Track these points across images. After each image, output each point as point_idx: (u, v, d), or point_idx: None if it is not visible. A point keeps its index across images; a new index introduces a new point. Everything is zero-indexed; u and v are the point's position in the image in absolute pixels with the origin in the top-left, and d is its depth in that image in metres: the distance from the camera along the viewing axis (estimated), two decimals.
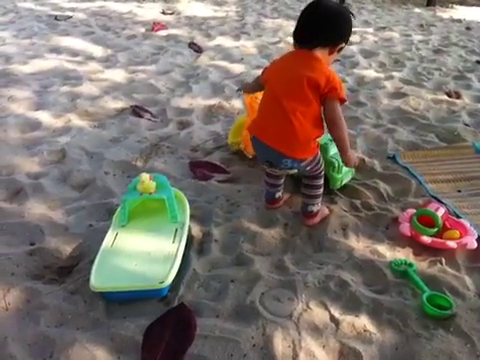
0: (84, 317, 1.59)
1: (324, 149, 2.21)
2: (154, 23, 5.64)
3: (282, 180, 2.16)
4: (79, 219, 2.11)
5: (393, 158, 2.70)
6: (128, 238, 1.89)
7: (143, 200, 2.03)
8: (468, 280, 1.80)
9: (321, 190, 2.07)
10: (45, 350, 1.46)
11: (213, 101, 3.47)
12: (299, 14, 1.84)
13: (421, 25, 6.38)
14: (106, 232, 1.90)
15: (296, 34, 1.84)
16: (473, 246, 1.93)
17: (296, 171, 1.99)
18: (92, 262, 1.73)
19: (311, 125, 1.84)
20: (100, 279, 1.64)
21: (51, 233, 1.99)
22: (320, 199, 2.09)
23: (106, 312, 1.61)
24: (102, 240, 1.85)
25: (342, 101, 1.83)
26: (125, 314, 1.60)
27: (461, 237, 1.96)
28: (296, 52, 1.87)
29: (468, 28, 6.33)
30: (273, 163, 1.93)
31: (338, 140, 1.87)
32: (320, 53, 1.81)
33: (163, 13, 6.36)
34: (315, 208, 2.07)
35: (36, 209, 2.16)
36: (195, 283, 1.74)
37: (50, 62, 4.19)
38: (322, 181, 2.06)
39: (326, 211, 2.16)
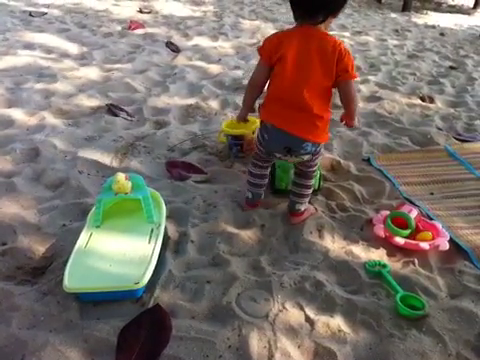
0: (57, 318, 1.56)
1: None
2: (131, 21, 5.58)
3: (266, 180, 2.17)
4: (52, 219, 2.07)
5: (368, 160, 2.74)
6: (103, 238, 1.87)
7: (118, 200, 2.01)
8: (440, 281, 1.84)
9: (310, 190, 2.12)
10: (16, 353, 1.43)
11: (190, 101, 3.45)
12: None
13: (396, 30, 6.49)
14: (80, 232, 1.87)
15: (301, 7, 1.78)
16: (445, 247, 1.97)
17: (305, 158, 1.99)
18: (66, 262, 1.70)
19: (326, 110, 1.90)
20: (74, 280, 1.61)
21: (24, 233, 1.95)
22: (308, 199, 2.13)
23: (80, 313, 1.58)
24: (76, 240, 1.82)
25: (354, 78, 1.91)
26: (99, 315, 1.58)
27: (433, 239, 2.00)
28: (305, 31, 1.80)
29: (442, 34, 6.47)
30: (292, 149, 1.92)
31: (351, 111, 1.97)
32: (323, 27, 1.82)
33: (140, 12, 6.30)
34: (303, 207, 2.11)
35: (8, 208, 2.11)
36: (171, 284, 1.73)
37: (24, 58, 4.10)
38: (313, 181, 2.11)
39: (312, 209, 2.20)
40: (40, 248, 1.89)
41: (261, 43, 1.89)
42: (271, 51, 1.83)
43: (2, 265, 1.79)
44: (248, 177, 2.16)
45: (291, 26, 1.88)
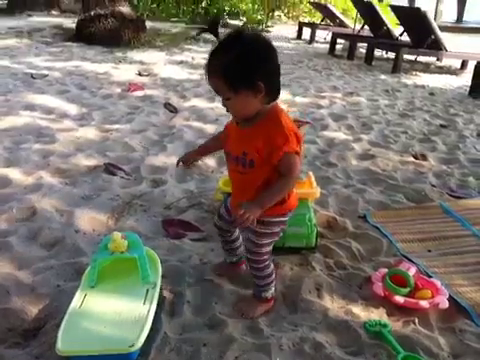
0: None
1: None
2: (130, 84, 5.74)
3: None
4: (47, 279, 2.04)
5: (364, 217, 2.75)
6: (97, 299, 1.83)
7: (114, 259, 1.99)
8: (441, 340, 1.80)
9: None
10: None
11: None
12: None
13: (387, 90, 6.69)
14: (74, 293, 1.84)
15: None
16: (445, 306, 1.94)
17: None
18: (59, 324, 1.66)
19: None
20: (67, 342, 1.57)
21: (17, 293, 1.92)
22: None
23: None
24: (70, 301, 1.79)
25: None
26: None
27: (433, 297, 1.97)
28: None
29: (431, 93, 6.67)
30: None
31: None
32: None
33: (139, 74, 6.49)
34: None
35: (2, 268, 2.08)
36: (166, 347, 1.68)
37: (24, 119, 4.18)
38: None
39: None
40: (33, 309, 1.85)
41: (291, 141, 1.61)
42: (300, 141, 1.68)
43: None
44: (274, 276, 1.91)
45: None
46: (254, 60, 1.55)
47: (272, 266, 1.89)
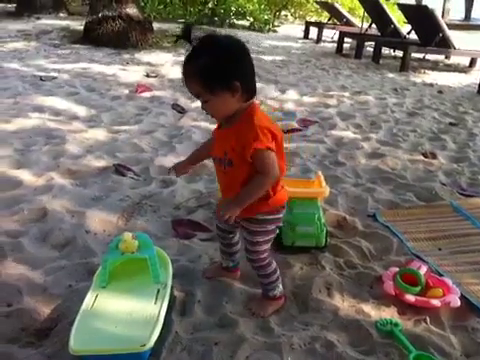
0: None
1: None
2: (138, 85, 5.76)
3: None
4: (58, 279, 2.05)
5: (373, 216, 2.74)
6: (109, 299, 1.84)
7: (125, 259, 2.00)
8: (453, 339, 1.79)
9: None
10: None
11: None
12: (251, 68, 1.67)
13: (395, 89, 6.66)
14: (86, 293, 1.85)
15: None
16: (456, 304, 1.93)
17: None
18: (71, 324, 1.67)
19: None
20: (79, 342, 1.58)
21: (29, 294, 1.93)
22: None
23: None
24: (82, 301, 1.80)
25: None
26: None
27: (444, 295, 1.96)
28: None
29: (440, 92, 6.63)
30: None
31: None
32: None
33: (147, 76, 6.51)
34: None
35: (14, 269, 2.10)
36: (177, 346, 1.69)
37: (33, 121, 4.21)
38: None
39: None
40: (45, 309, 1.86)
41: (262, 138, 1.59)
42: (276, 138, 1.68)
43: (6, 327, 1.76)
44: (278, 273, 1.92)
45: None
46: (229, 60, 1.58)
47: (274, 264, 1.91)
